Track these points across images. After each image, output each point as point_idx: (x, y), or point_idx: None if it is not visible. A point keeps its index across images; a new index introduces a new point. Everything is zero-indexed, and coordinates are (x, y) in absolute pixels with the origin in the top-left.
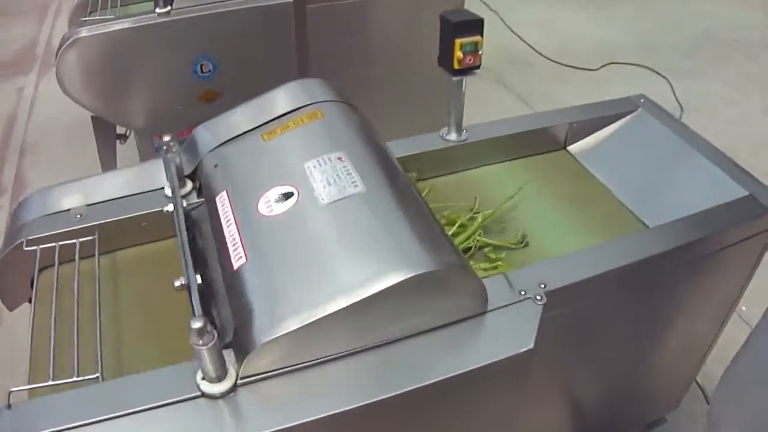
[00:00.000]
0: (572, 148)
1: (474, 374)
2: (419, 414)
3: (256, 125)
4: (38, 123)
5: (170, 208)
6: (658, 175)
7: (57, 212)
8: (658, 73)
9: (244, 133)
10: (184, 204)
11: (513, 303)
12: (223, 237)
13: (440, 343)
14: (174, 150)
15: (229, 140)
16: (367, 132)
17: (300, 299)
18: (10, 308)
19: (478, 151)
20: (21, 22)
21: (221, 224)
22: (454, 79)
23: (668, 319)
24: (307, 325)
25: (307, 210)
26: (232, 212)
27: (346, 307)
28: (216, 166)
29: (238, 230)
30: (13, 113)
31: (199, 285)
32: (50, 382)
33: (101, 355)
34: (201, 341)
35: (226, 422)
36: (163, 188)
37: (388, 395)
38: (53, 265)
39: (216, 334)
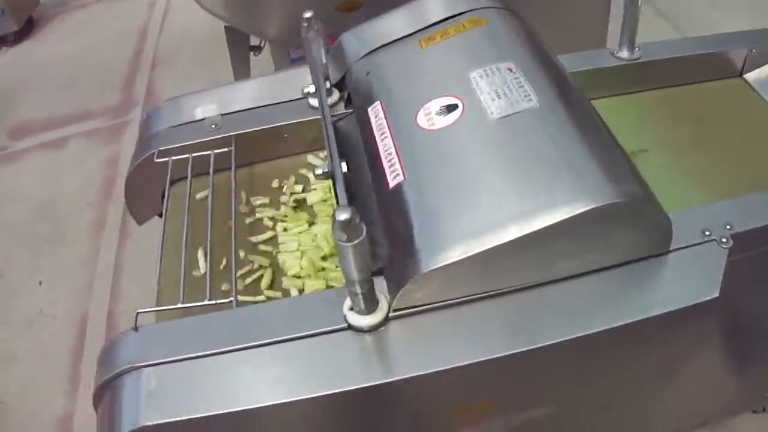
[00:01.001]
0: (749, 76)
1: (649, 322)
2: (580, 362)
3: (412, 31)
4: (169, 36)
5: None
6: None
7: (190, 122)
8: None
9: (399, 39)
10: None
11: (695, 244)
12: (376, 151)
13: (615, 284)
14: (316, 29)
15: (381, 47)
16: (535, 42)
17: (467, 226)
18: (140, 222)
19: (649, 72)
20: None
21: (374, 137)
22: None
23: None
24: (474, 255)
25: (474, 125)
26: (387, 124)
27: (519, 238)
28: (368, 73)
29: (394, 144)
30: (144, 26)
31: (345, 173)
32: (180, 305)
33: (236, 278)
34: (346, 237)
35: (374, 362)
36: (303, 98)
37: (551, 342)
38: (185, 178)
39: (365, 229)
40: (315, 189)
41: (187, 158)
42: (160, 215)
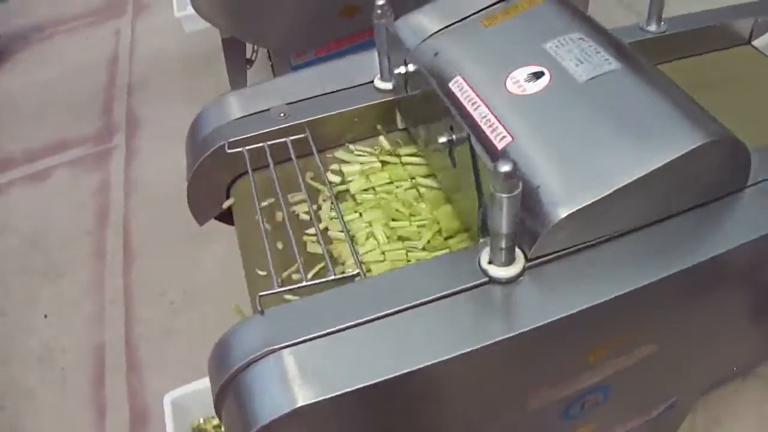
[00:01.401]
0: (757, 42)
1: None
2: (695, 292)
3: (469, 14)
4: (141, 62)
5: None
6: None
7: (254, 113)
8: None
9: (458, 21)
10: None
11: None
12: (472, 121)
13: (713, 217)
14: (388, 14)
15: (441, 30)
16: (586, 16)
17: (592, 171)
18: (201, 222)
19: (672, 44)
20: None
21: (465, 109)
22: None
23: None
24: (603, 197)
25: (567, 87)
26: (477, 95)
27: (641, 177)
28: (436, 54)
29: (490, 111)
30: (114, 54)
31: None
32: (304, 283)
33: (355, 250)
34: (507, 187)
35: (519, 310)
36: (367, 83)
37: (678, 269)
38: (256, 169)
39: (521, 181)
40: (352, 180)
41: (263, 147)
42: (218, 217)
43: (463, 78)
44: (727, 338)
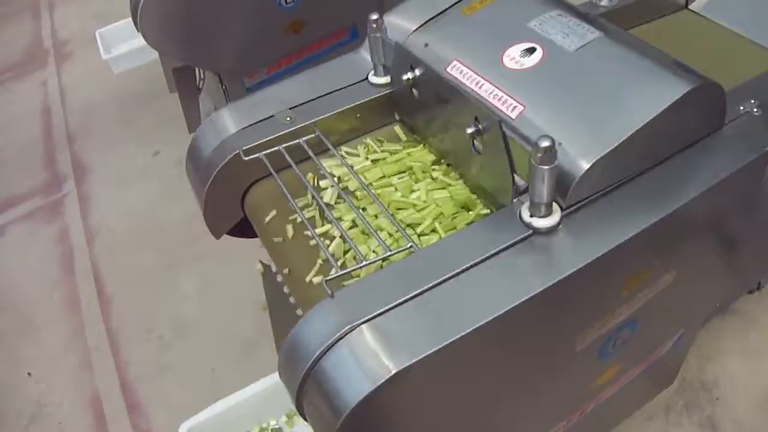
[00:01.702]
0: (693, 6)
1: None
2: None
3: (447, 6)
4: (76, 109)
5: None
6: None
7: (257, 122)
8: None
9: (439, 14)
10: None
11: (738, 118)
12: (479, 98)
13: (702, 153)
14: (384, 28)
15: (425, 22)
16: None
17: (604, 123)
18: (217, 235)
19: (623, 15)
20: (16, 20)
21: (470, 89)
22: None
23: None
24: (620, 143)
25: (560, 57)
26: (478, 75)
27: (651, 119)
28: (426, 45)
29: (495, 86)
30: (44, 105)
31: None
32: (363, 263)
33: (402, 229)
34: (548, 159)
35: (564, 253)
36: (360, 81)
37: (682, 203)
38: (268, 175)
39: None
40: (350, 179)
41: (278, 150)
42: (230, 232)
43: (459, 61)
44: (720, 267)
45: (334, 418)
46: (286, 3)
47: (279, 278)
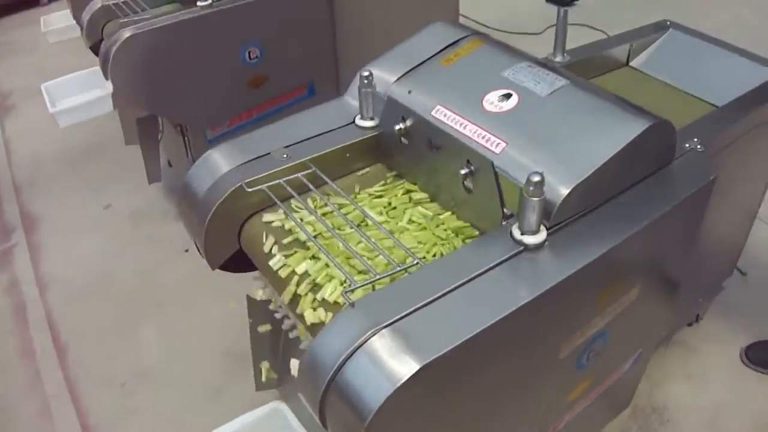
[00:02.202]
0: (633, 63)
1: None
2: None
3: (425, 58)
4: (21, 162)
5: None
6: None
7: (254, 158)
8: (595, 29)
9: (420, 64)
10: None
11: (685, 153)
12: (465, 138)
13: (654, 187)
14: (373, 83)
15: (407, 72)
16: (521, 50)
17: (579, 155)
18: (214, 266)
19: (574, 70)
20: None
21: (454, 129)
22: (562, 9)
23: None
24: (594, 171)
25: (535, 101)
26: (461, 117)
27: (616, 153)
28: (410, 92)
29: (478, 127)
30: None
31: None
32: (378, 276)
33: (408, 249)
34: (538, 192)
35: (552, 265)
36: (348, 124)
37: (644, 224)
38: (265, 208)
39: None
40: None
41: (278, 183)
42: (224, 267)
43: (443, 106)
44: (673, 286)
45: (359, 421)
46: (250, 58)
47: (271, 306)
